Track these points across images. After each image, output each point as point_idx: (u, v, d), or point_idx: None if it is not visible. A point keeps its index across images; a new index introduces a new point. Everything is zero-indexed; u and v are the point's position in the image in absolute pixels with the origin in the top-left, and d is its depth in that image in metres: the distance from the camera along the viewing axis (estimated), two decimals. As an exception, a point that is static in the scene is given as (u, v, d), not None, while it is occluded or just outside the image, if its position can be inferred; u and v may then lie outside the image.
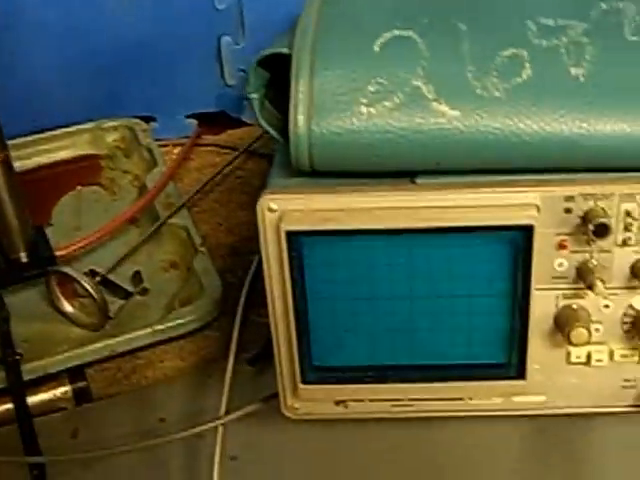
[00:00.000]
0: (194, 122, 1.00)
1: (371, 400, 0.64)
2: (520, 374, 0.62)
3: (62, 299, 0.78)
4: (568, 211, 0.58)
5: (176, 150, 0.97)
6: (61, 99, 0.95)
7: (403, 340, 0.62)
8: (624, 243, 0.59)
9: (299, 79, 0.57)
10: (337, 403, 0.65)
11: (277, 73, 0.62)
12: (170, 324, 0.75)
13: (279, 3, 0.89)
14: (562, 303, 0.61)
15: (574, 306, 0.61)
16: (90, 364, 0.76)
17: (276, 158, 0.63)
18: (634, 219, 0.58)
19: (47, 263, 0.78)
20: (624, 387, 0.64)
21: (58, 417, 0.73)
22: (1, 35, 0.90)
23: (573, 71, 0.57)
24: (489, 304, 0.61)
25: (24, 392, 0.72)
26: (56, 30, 0.91)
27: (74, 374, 0.74)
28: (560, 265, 0.60)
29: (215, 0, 0.93)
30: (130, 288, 0.81)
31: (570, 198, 0.57)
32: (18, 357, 0.73)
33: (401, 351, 0.63)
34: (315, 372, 0.63)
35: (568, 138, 0.56)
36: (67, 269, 0.77)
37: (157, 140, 0.96)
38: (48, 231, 0.83)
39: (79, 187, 0.92)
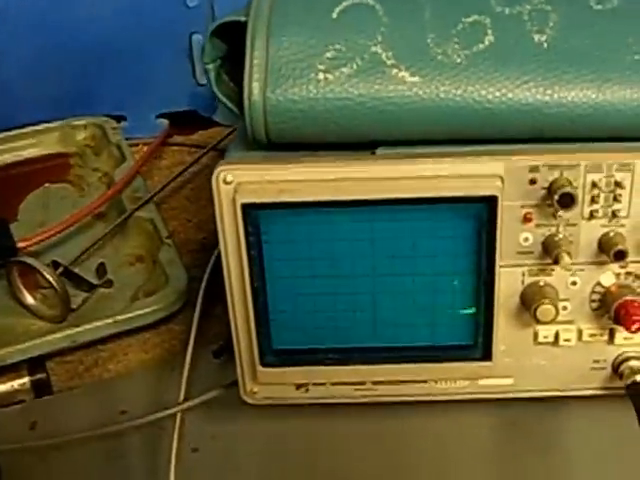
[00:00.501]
0: (165, 122, 0.96)
1: (333, 384, 0.60)
2: (486, 355, 0.58)
3: (24, 291, 0.74)
4: (533, 182, 0.54)
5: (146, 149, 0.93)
6: (30, 97, 0.91)
7: (365, 321, 0.58)
8: (591, 216, 0.55)
9: (254, 46, 0.54)
10: (298, 387, 0.61)
11: (235, 46, 0.58)
12: (132, 314, 0.71)
13: (250, 0, 0.86)
14: (528, 280, 0.57)
15: (541, 283, 0.57)
16: (52, 357, 0.72)
17: (236, 134, 0.60)
18: (601, 190, 0.54)
19: (8, 254, 0.74)
20: (593, 369, 0.60)
21: (17, 409, 0.69)
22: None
23: (537, 38, 0.53)
24: (453, 282, 0.57)
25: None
26: (23, 26, 0.87)
27: (33, 366, 0.70)
28: (525, 240, 0.56)
29: (186, -3, 0.91)
30: (94, 281, 0.77)
31: (535, 168, 0.54)
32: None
33: (363, 332, 0.58)
34: (274, 355, 0.59)
35: (532, 105, 0.53)
36: (28, 259, 0.73)
37: (128, 139, 0.92)
38: (13, 227, 0.79)
39: (47, 184, 0.88)
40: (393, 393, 0.60)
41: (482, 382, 0.60)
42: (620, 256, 0.54)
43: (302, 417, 0.64)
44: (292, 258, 0.57)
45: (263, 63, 0.53)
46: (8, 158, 0.91)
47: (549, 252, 0.55)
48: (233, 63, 0.58)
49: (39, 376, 0.70)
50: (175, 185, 0.89)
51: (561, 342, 0.58)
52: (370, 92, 0.53)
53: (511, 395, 0.61)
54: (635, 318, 0.55)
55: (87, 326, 0.71)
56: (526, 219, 0.55)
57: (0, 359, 0.68)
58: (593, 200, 0.54)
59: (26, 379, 0.69)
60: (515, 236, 0.56)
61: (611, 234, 0.55)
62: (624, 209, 0.55)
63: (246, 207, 0.54)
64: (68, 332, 0.70)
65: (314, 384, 0.60)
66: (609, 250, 0.55)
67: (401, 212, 0.55)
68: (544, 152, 0.54)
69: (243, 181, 0.55)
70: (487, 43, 0.53)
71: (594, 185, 0.54)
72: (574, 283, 0.57)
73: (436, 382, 0.60)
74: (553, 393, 0.61)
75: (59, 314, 0.73)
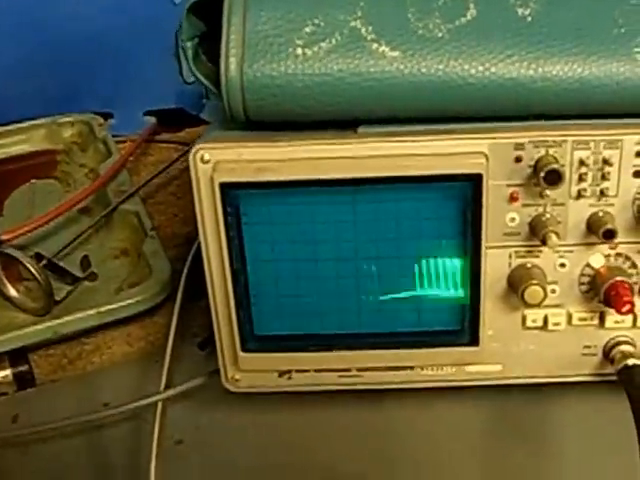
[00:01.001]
0: (152, 119, 0.94)
1: (317, 371, 0.57)
2: (473, 340, 0.55)
3: (7, 283, 0.71)
4: (518, 160, 0.51)
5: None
6: (17, 95, 0.89)
7: (349, 305, 0.55)
8: (579, 195, 0.52)
9: (231, 21, 0.51)
10: (281, 374, 0.58)
11: (214, 25, 0.56)
12: (115, 305, 0.68)
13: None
14: (515, 262, 0.54)
15: (528, 265, 0.54)
16: (35, 350, 0.69)
17: (215, 114, 0.57)
18: (588, 168, 0.51)
19: (-10, 246, 0.71)
20: (584, 354, 0.57)
21: (-2, 402, 0.67)
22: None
23: (520, 11, 0.51)
24: (438, 265, 0.54)
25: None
26: (10, 23, 0.85)
27: (15, 358, 0.67)
28: (512, 220, 0.53)
29: (173, -5, 0.88)
30: (79, 274, 0.74)
31: (520, 146, 0.51)
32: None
33: (347, 317, 0.56)
34: (256, 341, 0.56)
35: (516, 80, 0.50)
36: (10, 250, 0.70)
37: (115, 137, 0.90)
38: (-1, 221, 0.77)
39: (33, 180, 0.85)
40: (379, 380, 0.58)
41: (470, 369, 0.57)
42: (609, 235, 0.52)
43: (287, 408, 0.61)
44: (273, 240, 0.54)
45: (240, 38, 0.51)
46: (-5, 154, 0.89)
47: (536, 232, 0.52)
48: (212, 42, 0.55)
49: (21, 368, 0.67)
50: (162, 181, 0.86)
51: (550, 326, 0.56)
52: (350, 68, 0.50)
53: (500, 382, 0.58)
54: (625, 299, 0.52)
55: (69, 317, 0.68)
56: (512, 198, 0.52)
57: (-19, 351, 0.66)
58: (581, 178, 0.52)
59: (8, 371, 0.67)
60: (501, 216, 0.53)
61: (600, 214, 0.52)
62: (613, 188, 0.52)
63: (224, 186, 0.52)
64: (50, 323, 0.67)
65: (297, 371, 0.57)
66: (598, 230, 0.52)
67: (384, 193, 0.52)
68: (529, 129, 0.51)
69: (221, 160, 0.52)
70: (469, 17, 0.50)
71: (581, 163, 0.51)
72: (563, 265, 0.54)
73: (422, 369, 0.57)
74: (543, 380, 0.58)
75: (42, 306, 0.70)
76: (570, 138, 0.51)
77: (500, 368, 0.57)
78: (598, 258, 0.54)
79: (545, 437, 0.58)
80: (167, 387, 0.61)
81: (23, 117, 0.89)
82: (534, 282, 0.53)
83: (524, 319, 0.56)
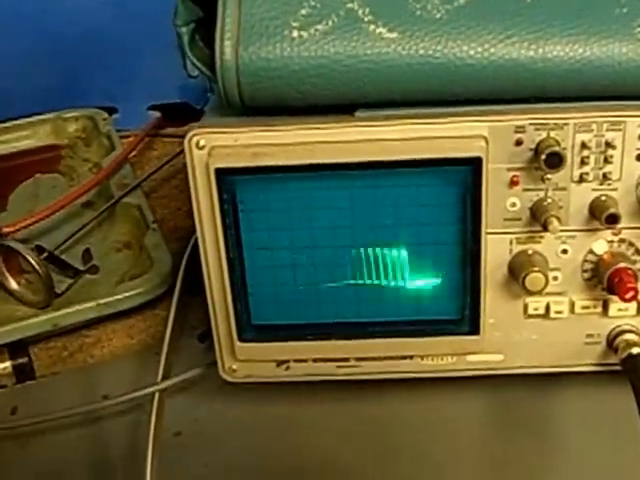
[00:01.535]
0: (157, 114, 0.91)
1: (315, 360, 0.55)
2: (474, 329, 0.53)
3: (8, 276, 0.69)
4: (519, 143, 0.49)
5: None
6: (22, 90, 0.87)
7: (348, 294, 0.53)
8: (581, 179, 0.50)
9: (227, 4, 0.49)
10: (278, 364, 0.56)
11: (211, 10, 0.54)
12: (115, 297, 0.66)
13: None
14: (516, 249, 0.52)
15: (529, 251, 0.52)
16: (36, 342, 0.67)
17: (211, 99, 0.55)
18: (591, 151, 0.49)
19: (-8, 239, 0.70)
20: (587, 343, 0.55)
21: (-2, 394, 0.65)
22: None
23: (520, -8, 0.49)
24: (438, 252, 0.52)
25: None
26: (14, 18, 0.84)
27: (15, 350, 0.65)
28: (513, 205, 0.51)
29: (177, -13, 0.86)
30: (80, 267, 0.72)
31: (520, 128, 0.49)
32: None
33: (346, 306, 0.54)
34: (253, 330, 0.54)
35: (516, 61, 0.48)
36: (11, 242, 0.68)
37: (119, 131, 0.88)
38: (2, 216, 0.75)
39: (38, 175, 0.84)
40: (377, 370, 0.55)
41: (470, 358, 0.55)
42: (612, 220, 0.49)
43: (286, 400, 0.59)
44: (269, 227, 0.52)
45: (236, 21, 0.49)
46: (1, 150, 0.86)
47: (537, 217, 0.50)
48: (208, 27, 0.53)
49: (21, 361, 0.65)
50: (166, 175, 0.84)
51: (552, 314, 0.53)
52: (346, 50, 0.48)
53: (501, 372, 0.56)
54: (629, 286, 0.50)
55: (68, 310, 0.66)
56: (513, 183, 0.50)
57: (-19, 343, 0.64)
58: (583, 162, 0.50)
59: (7, 363, 0.65)
60: (502, 201, 0.51)
61: (602, 198, 0.50)
62: (615, 171, 0.50)
63: (220, 172, 0.50)
64: (49, 316, 0.66)
65: (295, 361, 0.55)
66: (600, 215, 0.50)
67: (381, 178, 0.50)
68: (530, 111, 0.49)
69: (216, 145, 0.50)
70: (468, -2, 0.49)
71: (584, 146, 0.49)
72: (565, 251, 0.52)
73: (422, 358, 0.55)
74: (545, 370, 0.56)
75: (43, 299, 0.68)
76: (572, 120, 0.49)
77: (501, 358, 0.55)
78: (601, 244, 0.52)
79: (547, 428, 0.56)
80: (165, 378, 0.59)
81: (28, 112, 0.88)
82: (535, 269, 0.51)
83: (526, 307, 0.54)
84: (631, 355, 0.53)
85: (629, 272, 0.51)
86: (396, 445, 0.56)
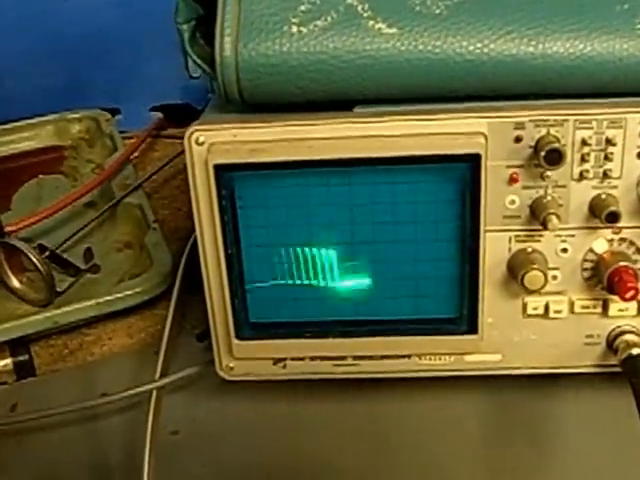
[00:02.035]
0: (159, 115, 0.91)
1: (312, 359, 0.54)
2: (472, 328, 0.52)
3: (10, 274, 0.68)
4: (518, 140, 0.48)
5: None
6: (23, 91, 0.87)
7: (345, 291, 0.52)
8: (581, 176, 0.49)
9: (226, 0, 0.48)
10: (275, 362, 0.54)
11: (212, 8, 0.53)
12: (115, 296, 0.65)
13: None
14: (515, 247, 0.51)
15: (528, 250, 0.51)
16: (37, 340, 0.66)
17: (212, 98, 0.54)
18: (591, 148, 0.48)
19: (-6, 237, 0.69)
20: (587, 344, 0.53)
21: (-2, 391, 0.64)
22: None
23: (520, -13, 0.48)
24: (436, 249, 0.51)
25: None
26: (17, 18, 0.83)
27: (16, 347, 0.64)
28: (512, 202, 0.50)
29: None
30: (82, 266, 0.71)
31: (520, 125, 0.48)
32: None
33: (343, 304, 0.52)
34: (251, 328, 0.53)
35: (515, 57, 0.47)
36: (13, 240, 0.67)
37: (122, 132, 0.87)
38: (5, 216, 0.73)
39: (41, 176, 0.83)
40: (375, 369, 0.54)
41: (468, 358, 0.54)
42: (612, 219, 0.48)
43: (283, 399, 0.58)
44: (267, 224, 0.51)
45: (235, 17, 0.48)
46: (4, 151, 0.86)
47: (537, 215, 0.49)
48: (209, 24, 0.53)
49: (21, 358, 0.64)
50: (167, 176, 0.84)
51: (552, 314, 0.52)
52: (345, 45, 0.47)
53: (500, 372, 0.54)
54: (630, 285, 0.49)
55: (68, 308, 0.65)
56: (512, 180, 0.49)
57: (-18, 340, 0.63)
58: (583, 159, 0.48)
59: (8, 360, 0.64)
60: (501, 199, 0.50)
61: (603, 196, 0.49)
62: (616, 169, 0.49)
63: (219, 168, 0.49)
64: (49, 313, 0.65)
65: (292, 359, 0.54)
66: (601, 213, 0.49)
67: (380, 175, 0.49)
68: (529, 107, 0.48)
69: (216, 141, 0.49)
70: (468, -7, 0.48)
71: (584, 143, 0.48)
72: (564, 250, 0.51)
73: (420, 357, 0.54)
74: (544, 370, 0.54)
75: (44, 297, 0.67)
76: (572, 117, 0.47)
77: (500, 357, 0.54)
78: (601, 243, 0.51)
79: (546, 429, 0.55)
80: (163, 376, 0.58)
81: (31, 113, 0.87)
82: (534, 267, 0.49)
83: (525, 307, 0.52)
84: (631, 356, 0.51)
85: (629, 271, 0.49)
86: (393, 444, 0.55)
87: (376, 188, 0.50)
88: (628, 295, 0.49)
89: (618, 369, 0.53)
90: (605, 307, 0.52)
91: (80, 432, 0.59)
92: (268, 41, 0.48)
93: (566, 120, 0.48)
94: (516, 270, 0.50)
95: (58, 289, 0.68)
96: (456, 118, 0.48)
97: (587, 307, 0.52)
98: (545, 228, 0.49)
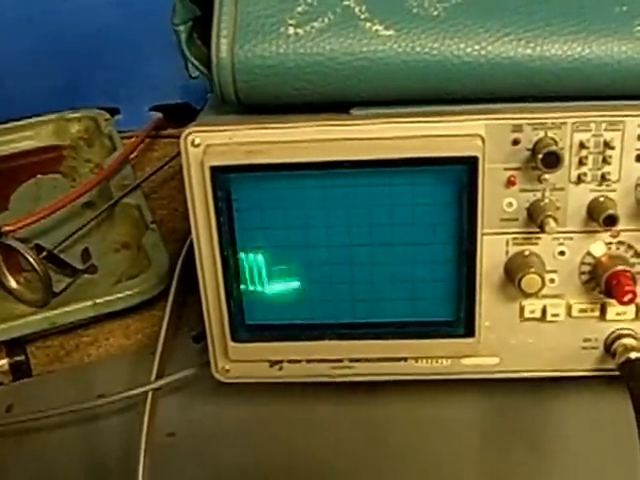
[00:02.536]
0: (158, 115, 0.90)
1: (308, 361, 0.53)
2: (469, 332, 0.51)
3: (7, 274, 0.68)
4: (516, 143, 0.47)
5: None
6: (23, 90, 0.86)
7: (342, 294, 0.52)
8: (579, 179, 0.48)
9: (223, 1, 0.48)
10: (271, 365, 0.54)
11: (209, 9, 0.52)
12: (112, 297, 0.65)
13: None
14: (513, 250, 0.50)
15: (526, 253, 0.50)
16: (33, 341, 0.66)
17: (210, 98, 0.54)
18: (589, 151, 0.48)
19: (-9, 237, 0.68)
20: (585, 348, 0.53)
21: (-6, 391, 0.63)
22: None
23: (519, -11, 0.47)
24: (433, 252, 0.50)
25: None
26: (16, 18, 0.82)
27: (12, 348, 0.64)
28: (509, 205, 0.49)
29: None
30: (79, 266, 0.71)
31: (518, 127, 0.47)
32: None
33: (340, 306, 0.52)
34: (247, 330, 0.53)
35: (513, 59, 0.46)
36: (10, 241, 0.67)
37: (121, 132, 0.86)
38: (3, 216, 0.74)
39: (39, 175, 0.82)
40: (372, 372, 0.54)
41: (465, 361, 0.53)
42: (610, 222, 0.48)
43: (280, 401, 0.57)
44: (264, 226, 0.50)
45: (232, 19, 0.47)
46: (3, 150, 0.85)
47: (534, 218, 0.48)
48: (206, 26, 0.52)
49: (17, 359, 0.64)
50: (165, 176, 0.83)
51: (549, 318, 0.51)
52: (342, 47, 0.47)
53: (496, 375, 0.54)
54: (627, 289, 0.48)
55: (65, 308, 0.65)
56: (510, 182, 0.48)
57: (-22, 341, 0.63)
58: (581, 162, 0.48)
59: (4, 361, 0.64)
60: (498, 201, 0.49)
61: (601, 199, 0.49)
62: (614, 172, 0.48)
63: (215, 170, 0.48)
64: (46, 314, 0.64)
65: (289, 361, 0.54)
66: (599, 216, 0.48)
67: (377, 177, 0.49)
68: (527, 110, 0.47)
69: (212, 143, 0.49)
70: (466, -5, 0.47)
71: (582, 145, 0.47)
72: (562, 253, 0.50)
73: (416, 360, 0.53)
74: (541, 374, 0.54)
75: (41, 298, 0.67)
76: (570, 120, 0.47)
77: (497, 361, 0.53)
78: (599, 246, 0.50)
79: (544, 433, 0.54)
80: (159, 378, 0.58)
81: (30, 113, 0.86)
82: (531, 270, 0.49)
83: (522, 310, 0.52)
84: (629, 360, 0.51)
85: (627, 275, 0.49)
86: (390, 447, 0.54)
87: (373, 190, 0.49)
88: (626, 299, 0.48)
89: (616, 373, 0.52)
90: (603, 311, 0.52)
91: (76, 433, 0.59)
92: (264, 42, 0.47)
93: (564, 123, 0.47)
94: (513, 273, 0.50)
95: (55, 289, 0.68)
96: (453, 120, 0.47)
97: (585, 311, 0.52)
98: (543, 231, 0.48)
